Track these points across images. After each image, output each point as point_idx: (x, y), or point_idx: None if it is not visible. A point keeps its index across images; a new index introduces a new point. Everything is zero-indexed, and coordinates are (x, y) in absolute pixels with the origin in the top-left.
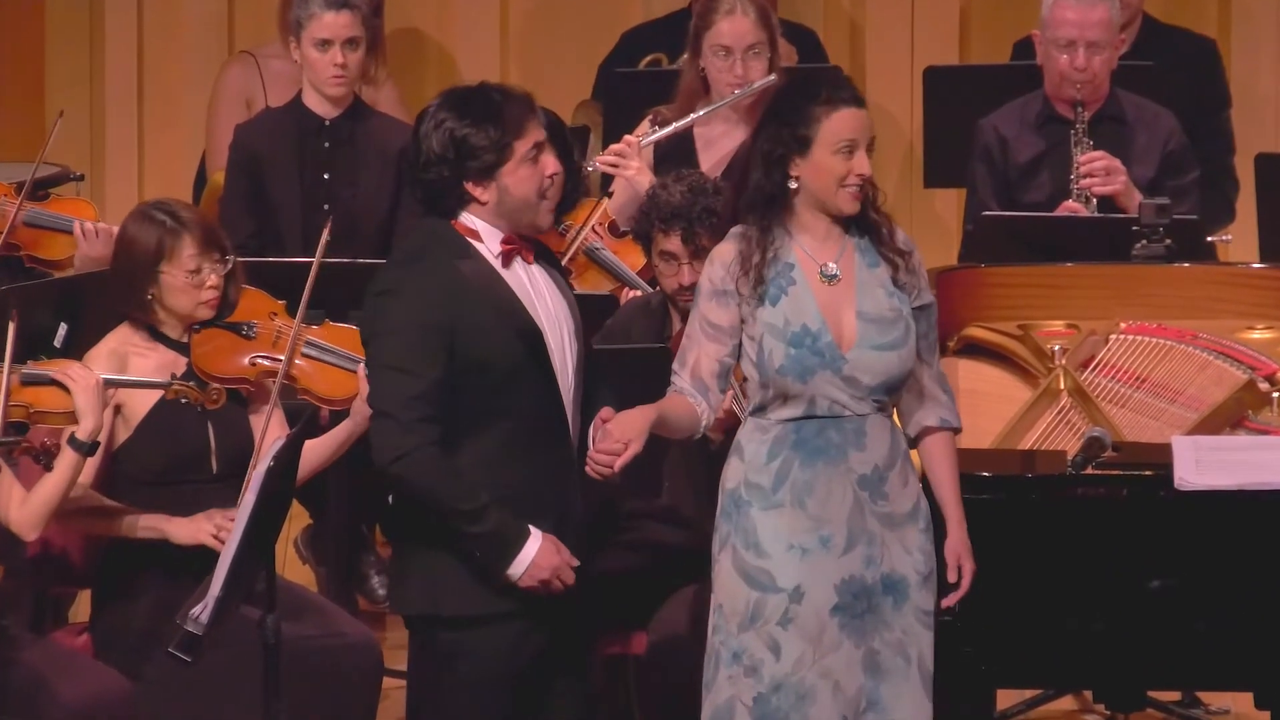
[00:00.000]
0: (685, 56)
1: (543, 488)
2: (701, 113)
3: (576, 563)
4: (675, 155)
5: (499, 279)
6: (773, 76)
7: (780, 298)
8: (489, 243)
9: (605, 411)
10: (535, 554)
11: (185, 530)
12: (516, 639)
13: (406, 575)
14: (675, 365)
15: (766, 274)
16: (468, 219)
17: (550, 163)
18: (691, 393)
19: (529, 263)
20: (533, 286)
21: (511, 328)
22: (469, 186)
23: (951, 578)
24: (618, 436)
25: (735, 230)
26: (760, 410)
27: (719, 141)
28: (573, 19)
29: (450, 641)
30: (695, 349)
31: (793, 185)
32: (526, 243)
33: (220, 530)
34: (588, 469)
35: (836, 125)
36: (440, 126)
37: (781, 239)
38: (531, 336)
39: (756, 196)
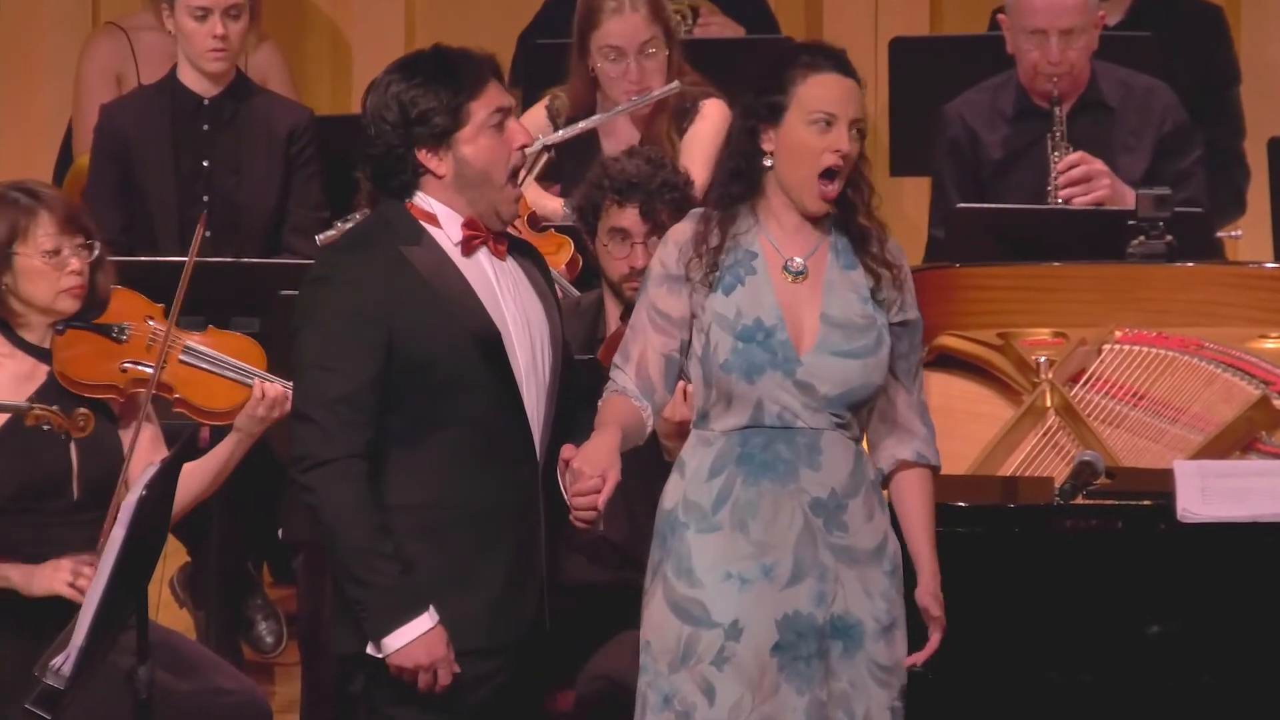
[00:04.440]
0: (572, 57)
1: (493, 512)
2: (591, 122)
3: (457, 669)
4: (579, 159)
5: (454, 270)
6: (675, 84)
7: (735, 287)
8: (448, 228)
9: (565, 450)
10: (421, 635)
11: (35, 581)
12: (456, 691)
13: (342, 610)
14: (617, 359)
15: (722, 260)
16: (424, 200)
17: (518, 133)
18: (636, 394)
19: (500, 257)
20: (498, 282)
21: (463, 326)
22: (422, 157)
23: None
24: (590, 472)
25: (696, 210)
26: (703, 419)
27: (623, 142)
28: None
29: (381, 690)
30: (640, 341)
31: (766, 162)
32: (497, 235)
33: (77, 578)
34: (572, 519)
35: (813, 91)
36: (387, 92)
37: (747, 224)
38: (487, 338)
39: (722, 174)
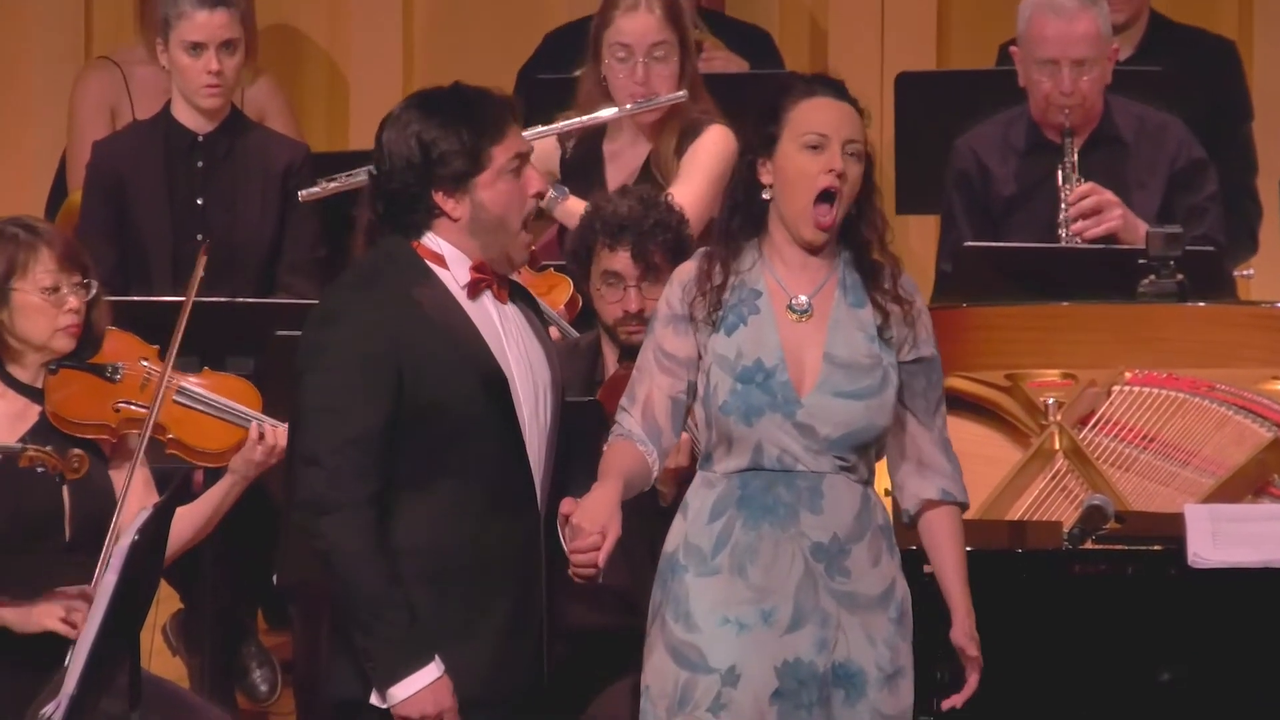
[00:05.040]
0: (587, 61)
1: (495, 558)
2: (591, 119)
3: None
4: (582, 170)
5: (461, 312)
6: (683, 93)
7: (738, 327)
8: (455, 270)
9: (565, 505)
10: (427, 686)
11: (27, 617)
12: None
13: (341, 654)
14: (624, 401)
15: (725, 299)
16: (433, 241)
17: (534, 180)
18: (641, 438)
19: (502, 300)
20: (502, 326)
21: (471, 369)
22: (439, 199)
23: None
24: (590, 528)
25: (701, 249)
26: (707, 461)
27: (626, 153)
28: (488, 16)
29: None
30: (647, 382)
31: (765, 195)
32: (500, 278)
33: (70, 613)
34: (571, 574)
35: (804, 115)
36: (406, 129)
37: (751, 262)
38: (495, 382)
39: (722, 212)
